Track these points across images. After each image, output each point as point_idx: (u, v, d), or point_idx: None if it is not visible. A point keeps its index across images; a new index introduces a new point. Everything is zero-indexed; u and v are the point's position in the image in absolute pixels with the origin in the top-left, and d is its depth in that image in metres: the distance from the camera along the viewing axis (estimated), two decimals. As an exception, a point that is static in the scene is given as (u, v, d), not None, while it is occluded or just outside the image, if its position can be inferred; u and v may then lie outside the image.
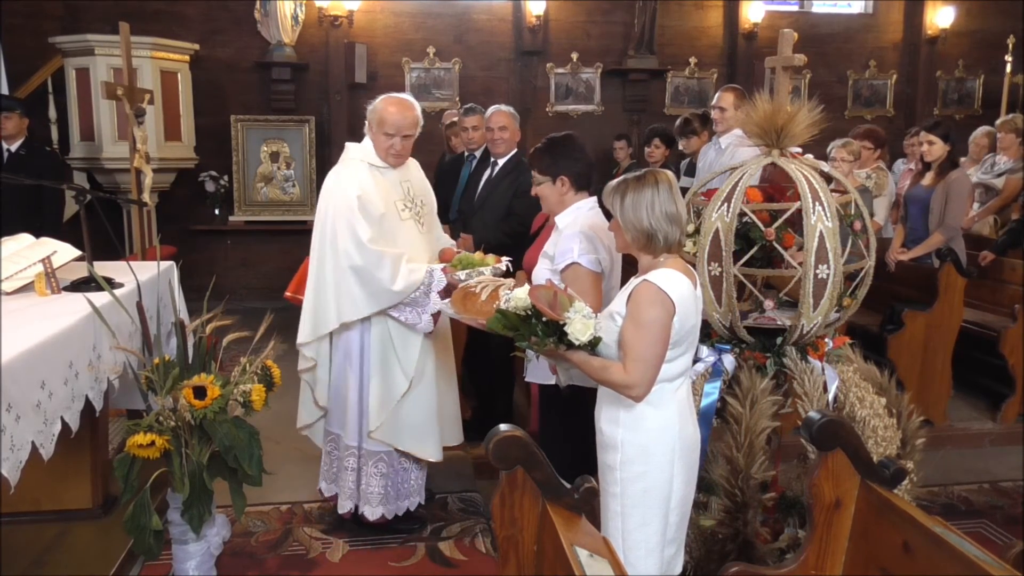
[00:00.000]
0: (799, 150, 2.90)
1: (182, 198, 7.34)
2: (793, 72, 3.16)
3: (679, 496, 2.24)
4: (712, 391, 2.75)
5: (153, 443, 2.45)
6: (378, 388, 3.15)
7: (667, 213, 2.15)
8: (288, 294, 3.72)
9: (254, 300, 7.17)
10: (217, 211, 7.59)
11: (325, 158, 7.53)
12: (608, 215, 2.29)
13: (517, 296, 2.18)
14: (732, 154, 4.13)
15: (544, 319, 2.14)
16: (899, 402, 2.89)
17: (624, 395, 2.15)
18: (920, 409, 2.97)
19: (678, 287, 2.12)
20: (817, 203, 2.59)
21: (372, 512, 3.25)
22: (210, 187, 7.43)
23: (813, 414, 2.09)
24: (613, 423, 2.22)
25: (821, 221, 2.57)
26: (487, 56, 8.05)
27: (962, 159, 5.82)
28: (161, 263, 3.36)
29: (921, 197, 4.92)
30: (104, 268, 3.08)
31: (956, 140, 4.95)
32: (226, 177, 7.50)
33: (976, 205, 5.92)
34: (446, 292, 2.97)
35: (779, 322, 2.77)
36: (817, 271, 2.59)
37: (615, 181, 2.25)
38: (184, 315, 3.18)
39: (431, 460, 3.29)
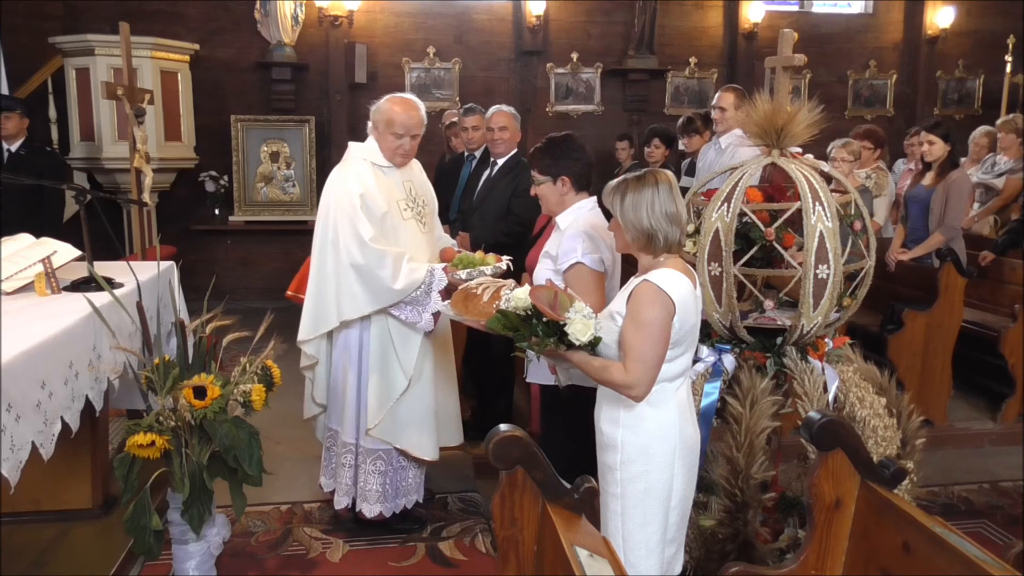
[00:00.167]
0: (799, 150, 2.90)
1: (182, 198, 7.34)
2: (793, 72, 3.16)
3: (679, 496, 2.25)
4: (712, 391, 2.75)
5: (153, 443, 2.45)
6: (377, 386, 3.15)
7: (667, 213, 2.15)
8: (289, 293, 3.73)
9: (254, 300, 7.16)
10: (217, 211, 7.59)
11: (325, 158, 7.53)
12: (608, 215, 2.29)
13: (517, 296, 2.18)
14: (732, 154, 4.13)
15: (544, 319, 2.14)
16: (899, 402, 2.89)
17: (624, 395, 2.15)
18: (920, 409, 2.97)
19: (678, 287, 2.12)
20: (817, 203, 2.59)
21: (370, 509, 3.25)
22: (210, 187, 7.44)
23: (813, 414, 2.09)
24: (613, 423, 2.22)
25: (821, 221, 2.57)
26: (487, 56, 8.06)
27: (962, 159, 5.82)
28: (161, 263, 3.36)
29: (921, 197, 4.92)
30: (104, 268, 3.09)
31: (956, 140, 4.95)
32: (226, 177, 7.50)
33: (976, 205, 5.92)
34: (447, 292, 2.98)
35: (779, 322, 2.77)
36: (817, 271, 2.59)
37: (615, 181, 2.25)
38: (184, 315, 3.19)
39: (427, 459, 3.29)
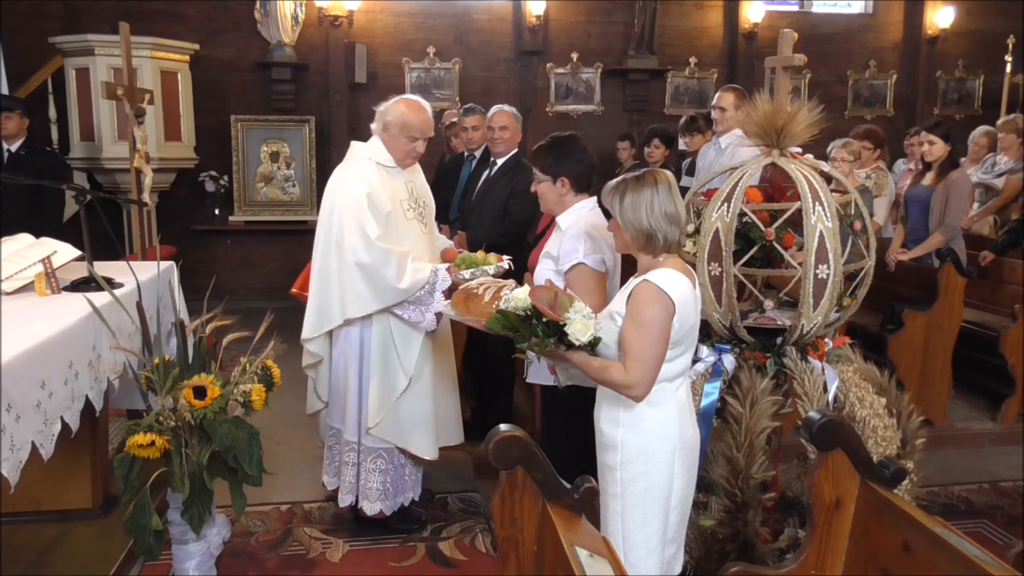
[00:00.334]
0: (799, 150, 2.90)
1: (182, 198, 7.34)
2: (793, 72, 3.16)
3: (679, 496, 2.25)
4: (712, 391, 2.75)
5: (153, 443, 2.45)
6: (378, 385, 3.16)
7: (666, 213, 2.15)
8: (294, 290, 3.73)
9: (254, 300, 7.16)
10: (217, 211, 7.59)
11: (325, 158, 7.53)
12: (608, 215, 2.29)
13: (517, 297, 2.18)
14: (732, 154, 4.13)
15: (544, 320, 2.14)
16: (899, 402, 2.89)
17: (624, 395, 2.15)
18: (920, 409, 2.97)
19: (678, 287, 2.12)
20: (817, 203, 2.59)
21: (370, 507, 3.25)
22: (210, 187, 7.44)
23: (813, 414, 2.09)
24: (613, 423, 2.22)
25: (821, 221, 2.57)
26: (487, 56, 8.05)
27: (962, 159, 5.82)
28: (161, 263, 3.36)
29: (921, 197, 4.92)
30: (104, 268, 3.09)
31: (956, 140, 4.95)
32: (226, 177, 7.50)
33: (976, 205, 5.92)
34: (449, 292, 2.98)
35: (779, 322, 2.77)
36: (817, 271, 2.59)
37: (614, 181, 2.25)
38: (184, 315, 3.18)
39: (428, 458, 3.30)
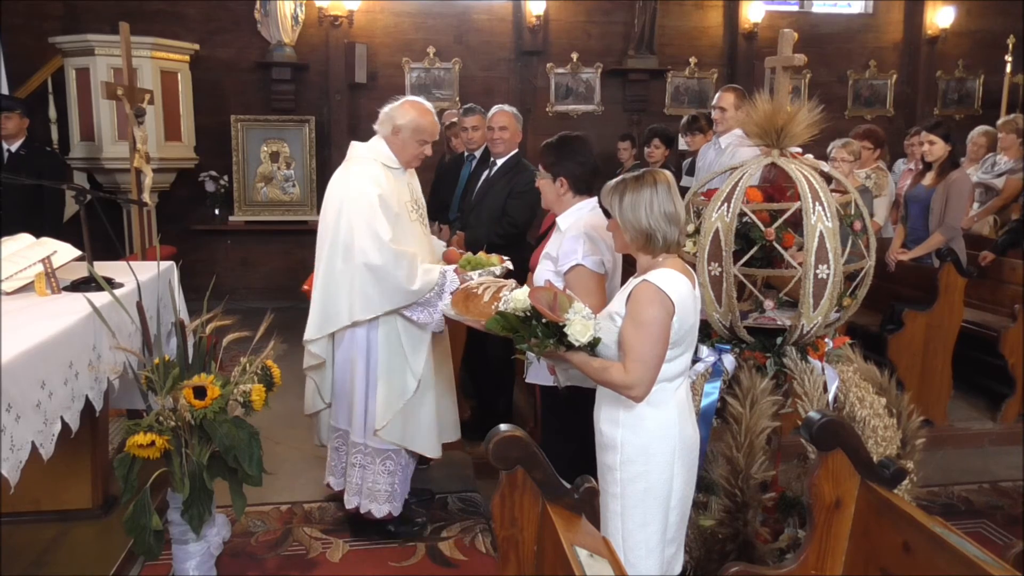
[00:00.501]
0: (799, 150, 2.90)
1: (182, 198, 7.34)
2: (793, 72, 3.16)
3: (679, 496, 2.25)
4: (712, 391, 2.75)
5: (153, 443, 2.45)
6: (385, 387, 3.14)
7: (666, 213, 2.15)
8: (306, 288, 3.74)
9: (254, 300, 7.17)
10: (217, 211, 7.58)
11: (325, 158, 7.53)
12: (608, 215, 2.29)
13: (516, 298, 2.18)
14: (732, 154, 4.13)
15: (544, 320, 2.14)
16: (899, 402, 2.89)
17: (624, 395, 2.15)
18: (920, 409, 2.97)
19: (677, 287, 2.12)
20: (817, 203, 2.59)
21: (379, 510, 3.25)
22: (210, 187, 7.43)
23: (813, 414, 2.09)
24: (612, 423, 2.22)
25: (821, 221, 2.57)
26: (487, 56, 8.05)
27: (962, 159, 5.82)
28: (161, 263, 3.36)
29: (921, 197, 4.92)
30: (104, 268, 3.08)
31: (956, 140, 4.95)
32: (226, 177, 7.50)
33: (976, 205, 5.92)
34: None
35: (779, 322, 2.77)
36: (817, 271, 2.59)
37: (613, 181, 2.25)
38: (184, 315, 3.18)
39: (434, 457, 3.31)
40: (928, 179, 4.92)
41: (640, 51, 8.04)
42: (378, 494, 3.24)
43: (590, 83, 8.23)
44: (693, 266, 2.52)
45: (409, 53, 7.89)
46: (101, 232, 3.23)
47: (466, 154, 4.75)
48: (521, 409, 4.38)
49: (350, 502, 3.29)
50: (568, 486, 1.90)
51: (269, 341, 2.86)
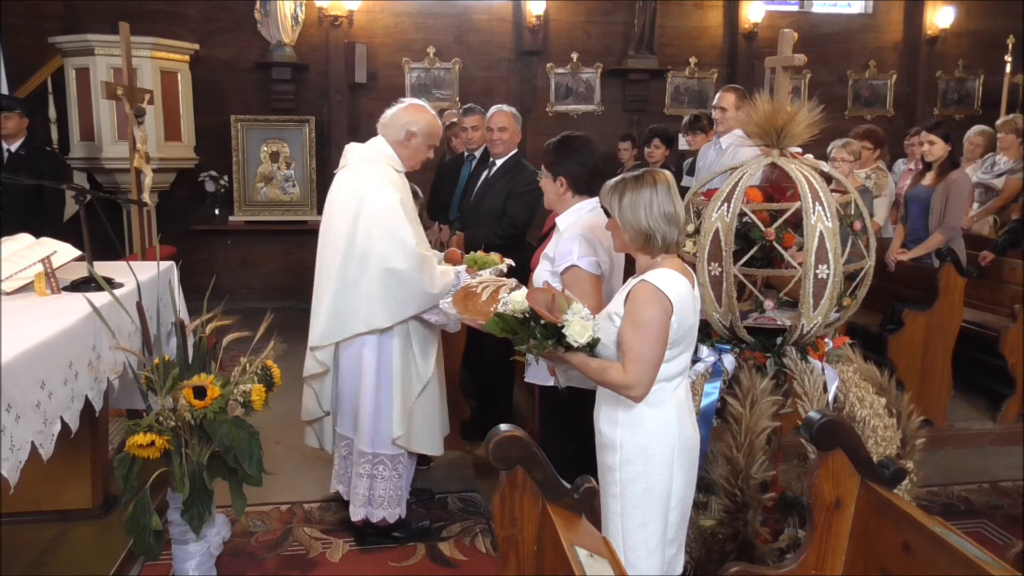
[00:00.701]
0: (799, 150, 2.90)
1: (182, 198, 7.34)
2: (793, 72, 3.16)
3: (679, 496, 2.24)
4: (712, 391, 2.75)
5: (153, 443, 2.45)
6: (400, 395, 3.12)
7: (665, 213, 2.15)
8: None
9: (254, 300, 7.17)
10: (217, 211, 7.58)
11: (325, 158, 7.53)
12: (608, 215, 2.29)
13: (515, 299, 2.18)
14: (733, 154, 4.14)
15: (542, 322, 2.13)
16: (899, 402, 2.89)
17: (623, 395, 2.15)
18: (920, 409, 2.97)
19: (675, 287, 2.12)
20: (817, 203, 2.59)
21: (391, 515, 3.24)
22: (210, 187, 7.43)
23: (813, 414, 2.09)
24: (612, 424, 2.22)
25: (821, 221, 2.57)
26: (487, 56, 8.05)
27: (961, 159, 5.82)
28: (161, 263, 3.36)
29: (921, 197, 4.92)
30: (104, 268, 3.08)
31: (956, 140, 4.95)
32: (226, 177, 7.49)
33: (976, 205, 5.92)
34: None
35: (779, 322, 2.77)
36: (817, 271, 2.59)
37: (613, 180, 2.25)
38: (184, 315, 3.18)
39: (437, 455, 3.35)
40: (928, 179, 4.92)
41: (640, 51, 8.03)
42: (389, 500, 3.22)
43: (590, 83, 8.23)
44: (693, 266, 2.52)
45: (409, 53, 7.89)
46: (101, 232, 3.23)
47: (466, 154, 4.75)
48: (521, 409, 4.38)
49: (357, 514, 3.23)
50: (568, 486, 1.90)
51: (269, 341, 2.86)
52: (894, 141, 7.17)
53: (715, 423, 2.76)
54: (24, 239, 3.22)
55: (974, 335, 4.80)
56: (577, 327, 2.11)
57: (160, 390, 2.57)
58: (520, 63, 8.11)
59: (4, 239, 3.18)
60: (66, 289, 2.98)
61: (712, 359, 2.81)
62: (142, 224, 5.86)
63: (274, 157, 7.60)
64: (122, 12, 6.57)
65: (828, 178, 2.83)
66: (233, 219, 7.59)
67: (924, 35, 8.67)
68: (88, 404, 2.62)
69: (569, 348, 2.15)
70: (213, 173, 7.39)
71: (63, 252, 3.10)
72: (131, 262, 3.25)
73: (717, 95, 4.51)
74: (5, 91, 6.18)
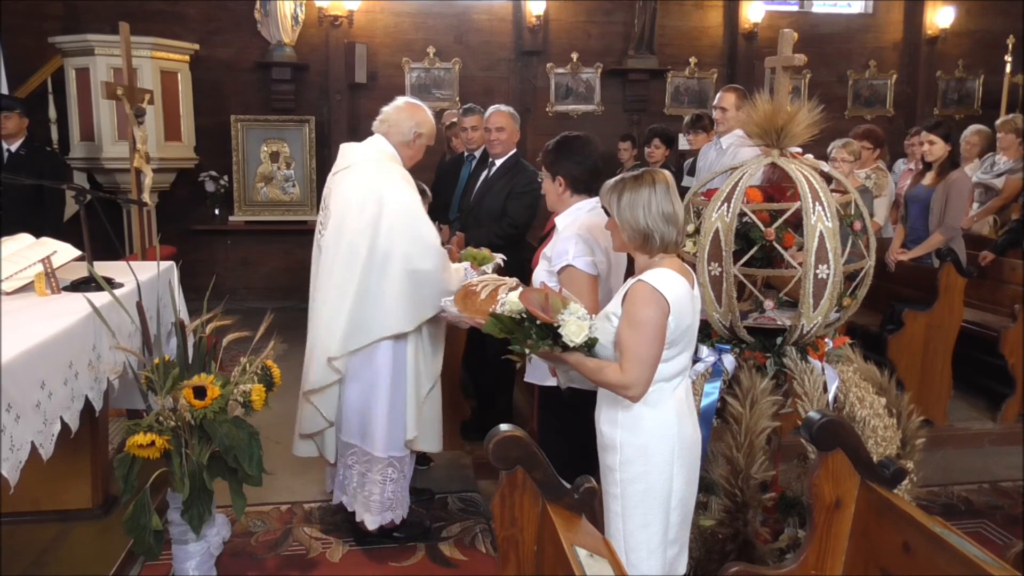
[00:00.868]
0: (799, 150, 2.90)
1: (182, 198, 7.34)
2: (793, 72, 3.16)
3: (680, 496, 2.24)
4: (712, 391, 2.75)
5: (153, 443, 2.45)
6: (414, 396, 3.11)
7: (664, 213, 2.15)
8: None
9: (254, 300, 7.17)
10: (217, 211, 7.59)
11: (325, 158, 7.52)
12: (608, 214, 2.29)
13: (510, 300, 2.18)
14: (733, 154, 4.14)
15: (538, 322, 2.13)
16: (899, 402, 2.89)
17: (621, 395, 2.15)
18: (920, 409, 2.97)
19: (673, 287, 2.12)
20: (817, 203, 2.59)
21: (398, 516, 3.24)
22: (210, 187, 7.43)
23: (813, 414, 2.09)
24: (612, 424, 2.22)
25: (821, 221, 2.57)
26: (487, 56, 8.05)
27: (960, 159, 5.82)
28: (161, 263, 3.36)
29: (921, 197, 4.92)
30: (104, 268, 3.08)
31: (956, 140, 4.95)
32: (226, 177, 7.50)
33: (976, 205, 5.92)
34: None
35: (779, 322, 2.77)
36: (817, 271, 2.59)
37: (612, 180, 2.25)
38: (184, 315, 3.18)
39: (438, 452, 3.39)
40: (928, 179, 4.92)
41: (640, 51, 8.03)
42: (396, 502, 3.23)
43: (590, 83, 8.23)
44: (693, 266, 2.51)
45: (409, 53, 7.89)
46: (101, 232, 3.23)
47: (466, 154, 4.75)
48: (521, 409, 4.38)
49: (374, 522, 3.17)
50: (568, 486, 1.90)
51: (269, 341, 2.86)
52: (894, 141, 7.17)
53: (715, 423, 2.76)
54: (24, 239, 3.22)
55: (974, 335, 4.80)
56: (573, 327, 2.11)
57: (160, 390, 2.57)
58: (520, 63, 8.11)
59: (4, 239, 3.18)
60: (66, 289, 2.98)
61: (712, 359, 2.81)
62: (142, 224, 5.86)
63: (274, 157, 7.60)
64: (122, 12, 6.57)
65: (828, 178, 2.83)
66: (233, 219, 7.59)
67: (924, 35, 8.67)
68: (88, 404, 2.62)
69: (566, 348, 2.14)
70: (213, 173, 7.40)
71: (63, 252, 3.10)
72: (131, 262, 3.25)
73: (717, 95, 4.51)
74: (5, 91, 6.19)
